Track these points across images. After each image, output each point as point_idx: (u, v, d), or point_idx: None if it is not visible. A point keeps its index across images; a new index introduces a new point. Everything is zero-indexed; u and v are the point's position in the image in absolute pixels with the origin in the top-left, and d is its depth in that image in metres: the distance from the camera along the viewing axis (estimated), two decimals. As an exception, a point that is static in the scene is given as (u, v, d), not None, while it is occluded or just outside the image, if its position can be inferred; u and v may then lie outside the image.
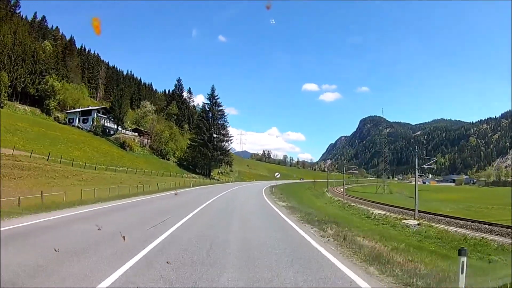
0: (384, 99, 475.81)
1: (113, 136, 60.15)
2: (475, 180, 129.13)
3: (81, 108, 61.26)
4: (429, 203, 38.30)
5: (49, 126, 49.15)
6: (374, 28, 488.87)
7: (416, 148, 47.38)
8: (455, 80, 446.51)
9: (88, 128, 57.10)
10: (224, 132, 61.60)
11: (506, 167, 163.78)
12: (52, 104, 55.53)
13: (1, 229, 6.84)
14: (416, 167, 29.14)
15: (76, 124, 57.86)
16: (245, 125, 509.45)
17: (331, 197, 43.79)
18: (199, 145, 57.38)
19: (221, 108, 62.18)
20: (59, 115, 57.97)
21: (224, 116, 62.16)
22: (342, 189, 52.74)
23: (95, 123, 57.53)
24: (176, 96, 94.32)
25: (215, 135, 58.46)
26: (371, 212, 24.20)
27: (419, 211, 23.37)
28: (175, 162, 63.81)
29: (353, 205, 30.19)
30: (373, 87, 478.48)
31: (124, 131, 64.43)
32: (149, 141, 65.09)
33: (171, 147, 64.43)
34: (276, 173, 49.41)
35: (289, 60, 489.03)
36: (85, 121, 58.61)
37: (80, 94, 67.78)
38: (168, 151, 62.49)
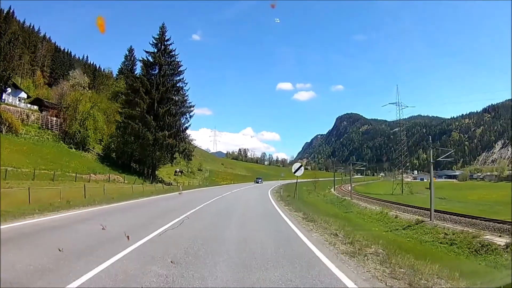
0: (359, 96, 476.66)
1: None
2: (482, 176, 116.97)
3: None
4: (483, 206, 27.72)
5: None
6: (346, 25, 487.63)
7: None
8: (432, 77, 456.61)
9: None
10: (178, 99, 35.72)
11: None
12: None
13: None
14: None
15: None
16: (219, 125, 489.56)
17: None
18: (133, 122, 33.32)
19: (175, 59, 36.10)
20: None
21: (180, 73, 36.48)
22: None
23: None
24: (126, 72, 68.26)
25: (162, 109, 33.85)
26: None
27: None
28: (99, 154, 38.75)
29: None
30: (348, 85, 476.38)
31: (13, 99, 38.36)
32: (58, 120, 39.50)
33: (99, 129, 39.45)
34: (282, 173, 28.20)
35: (263, 58, 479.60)
36: None
37: None
38: (86, 137, 37.28)
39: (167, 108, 31.62)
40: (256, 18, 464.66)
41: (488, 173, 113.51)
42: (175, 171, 46.55)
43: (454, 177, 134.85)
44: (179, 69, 34.59)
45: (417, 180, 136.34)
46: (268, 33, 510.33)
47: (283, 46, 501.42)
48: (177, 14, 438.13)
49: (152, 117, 31.69)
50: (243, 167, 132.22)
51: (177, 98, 33.01)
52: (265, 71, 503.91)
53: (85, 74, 59.13)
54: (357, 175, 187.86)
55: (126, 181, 29.50)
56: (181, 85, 34.41)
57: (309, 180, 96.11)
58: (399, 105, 67.61)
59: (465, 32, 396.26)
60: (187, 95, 34.74)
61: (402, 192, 63.01)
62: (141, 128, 31.07)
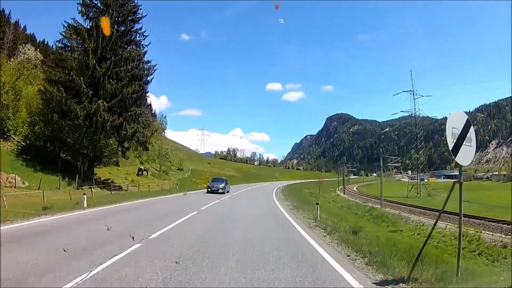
0: (349, 97, 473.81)
1: None
2: (488, 175, 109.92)
3: None
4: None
5: None
6: (338, 25, 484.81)
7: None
8: (422, 77, 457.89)
9: None
10: (133, 66, 21.48)
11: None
12: None
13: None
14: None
15: None
16: (208, 126, 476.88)
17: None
18: (56, 89, 20.31)
19: (133, 4, 22.64)
20: None
21: (137, 21, 22.72)
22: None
23: None
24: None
25: (101, 69, 20.33)
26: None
27: None
28: (21, 143, 25.78)
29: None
30: (338, 85, 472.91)
31: None
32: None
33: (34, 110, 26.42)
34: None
35: (253, 59, 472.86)
36: None
37: None
38: (5, 119, 24.28)
39: (110, 65, 19.06)
40: (248, 18, 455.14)
41: (496, 173, 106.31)
42: (139, 170, 34.07)
43: (453, 177, 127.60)
44: (135, 15, 22.25)
45: (416, 181, 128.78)
46: (265, 33, 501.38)
47: (275, 46, 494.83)
48: (166, 13, 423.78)
49: (86, 80, 19.11)
50: (232, 167, 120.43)
51: (128, 55, 20.48)
52: (254, 71, 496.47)
53: (38, 50, 46.42)
54: (350, 175, 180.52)
55: (33, 184, 17.25)
56: (137, 38, 22.13)
57: (307, 181, 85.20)
58: (413, 94, 57.72)
59: (462, 32, 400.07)
60: (145, 50, 22.13)
61: (419, 194, 52.90)
62: (65, 97, 18.48)
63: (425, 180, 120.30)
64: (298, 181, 75.43)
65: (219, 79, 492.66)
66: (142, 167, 34.86)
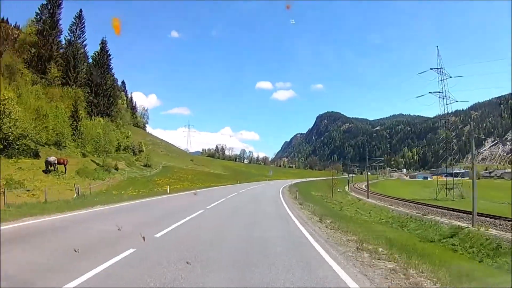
0: (339, 95, 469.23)
1: None
2: (499, 173, 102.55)
3: None
4: None
5: None
6: (329, 23, 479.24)
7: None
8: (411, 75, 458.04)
9: None
10: None
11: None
12: None
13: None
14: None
15: None
16: (198, 125, 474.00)
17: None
18: None
19: None
20: None
21: None
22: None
23: None
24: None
25: None
26: None
27: None
28: None
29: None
30: (327, 84, 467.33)
31: None
32: None
33: None
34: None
35: (243, 57, 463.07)
36: None
37: None
38: None
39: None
40: (237, 15, 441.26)
41: (507, 170, 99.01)
42: (46, 163, 20.99)
43: (456, 175, 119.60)
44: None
45: (420, 179, 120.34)
46: (251, 31, 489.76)
47: (263, 44, 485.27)
48: (156, 10, 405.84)
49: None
50: (221, 165, 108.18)
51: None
52: (245, 69, 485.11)
53: None
54: (343, 174, 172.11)
55: None
56: None
57: (306, 179, 73.73)
58: (441, 73, 47.47)
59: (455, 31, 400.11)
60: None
61: (452, 196, 42.35)
62: None
63: (429, 179, 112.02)
64: (298, 180, 64.60)
65: (209, 77, 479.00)
66: (51, 158, 21.74)
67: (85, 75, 46.71)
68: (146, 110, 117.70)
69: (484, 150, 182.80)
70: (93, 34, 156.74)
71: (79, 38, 49.45)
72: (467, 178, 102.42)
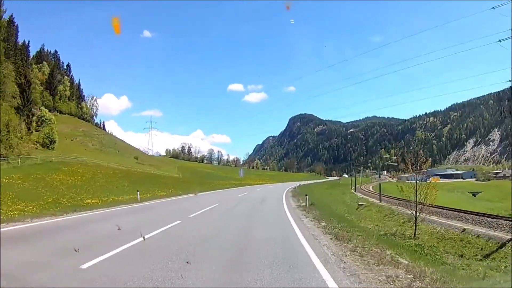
0: (313, 98, 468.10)
1: None
2: (501, 174, 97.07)
3: None
4: None
5: None
6: (302, 28, 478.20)
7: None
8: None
9: None
10: None
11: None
12: None
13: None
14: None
15: None
16: (170, 127, 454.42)
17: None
18: None
19: None
20: None
21: None
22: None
23: None
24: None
25: None
26: None
27: None
28: None
29: None
30: (300, 87, 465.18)
31: None
32: None
33: None
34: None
35: (215, 59, 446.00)
36: None
37: None
38: None
39: None
40: (214, 17, 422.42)
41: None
42: None
43: (451, 176, 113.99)
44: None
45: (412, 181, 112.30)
46: (224, 34, 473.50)
47: (234, 46, 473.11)
48: (128, 9, 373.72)
49: None
50: (183, 166, 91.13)
51: None
52: (217, 72, 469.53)
53: None
54: (327, 177, 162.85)
55: None
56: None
57: (294, 184, 58.61)
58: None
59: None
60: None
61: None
62: None
63: (427, 181, 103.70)
64: (291, 184, 52.34)
65: (181, 79, 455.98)
66: None
67: None
68: (95, 101, 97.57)
69: (467, 151, 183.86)
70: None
71: None
72: (474, 179, 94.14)
